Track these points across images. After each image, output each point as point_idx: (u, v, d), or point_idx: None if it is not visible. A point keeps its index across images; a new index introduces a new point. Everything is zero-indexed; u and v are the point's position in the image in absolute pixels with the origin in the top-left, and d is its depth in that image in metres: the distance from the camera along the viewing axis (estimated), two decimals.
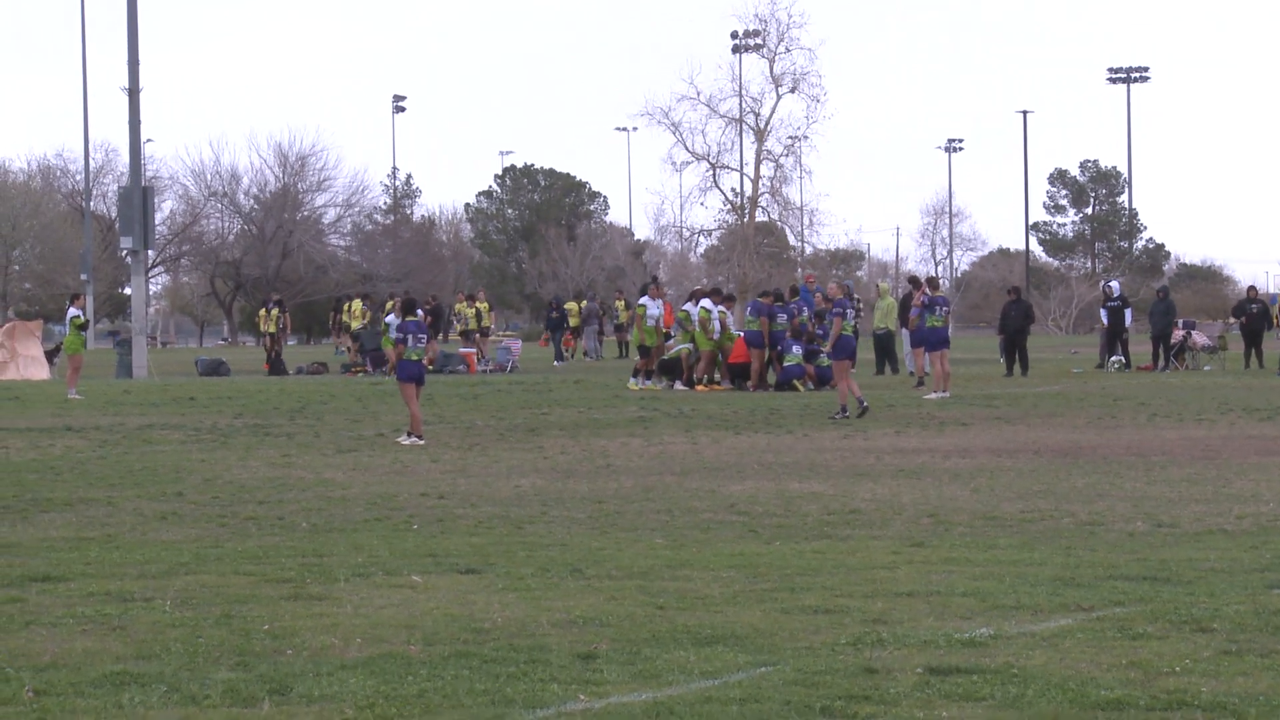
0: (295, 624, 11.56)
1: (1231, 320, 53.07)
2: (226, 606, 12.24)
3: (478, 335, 58.47)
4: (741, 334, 42.42)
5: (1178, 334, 50.27)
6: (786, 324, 41.20)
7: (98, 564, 14.37)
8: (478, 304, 60.66)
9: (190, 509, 18.44)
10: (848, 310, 32.22)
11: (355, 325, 63.50)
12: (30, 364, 51.45)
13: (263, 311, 63.79)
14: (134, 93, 53.93)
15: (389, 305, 57.14)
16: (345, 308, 66.01)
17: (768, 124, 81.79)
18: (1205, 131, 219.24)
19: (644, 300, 44.39)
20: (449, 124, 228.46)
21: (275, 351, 58.87)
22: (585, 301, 70.08)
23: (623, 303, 70.51)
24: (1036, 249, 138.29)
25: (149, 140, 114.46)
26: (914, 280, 45.17)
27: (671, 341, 44.02)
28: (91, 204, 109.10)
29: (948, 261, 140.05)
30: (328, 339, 70.03)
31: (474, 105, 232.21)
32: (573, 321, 69.05)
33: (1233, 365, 49.74)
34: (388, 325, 49.39)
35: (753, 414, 32.06)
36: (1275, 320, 48.56)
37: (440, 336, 60.74)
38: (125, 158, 68.22)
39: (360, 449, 25.73)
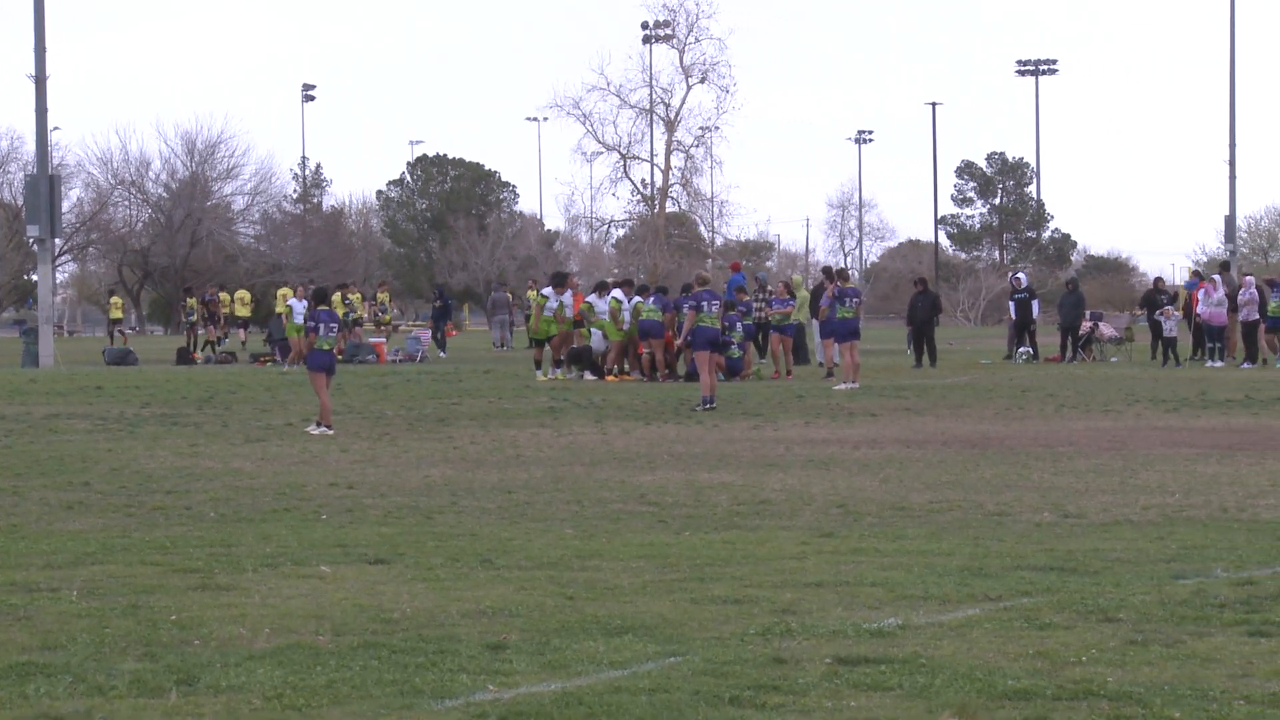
0: (203, 614, 11.50)
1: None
2: (133, 597, 12.16)
3: (354, 327, 58.28)
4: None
5: (1085, 325, 50.62)
6: None
7: (2, 554, 14.26)
8: (350, 295, 60.68)
9: (97, 499, 18.31)
10: (703, 302, 32.74)
11: (243, 313, 64.12)
12: None
13: (192, 301, 64.40)
14: (41, 80, 53.44)
15: (282, 294, 57.70)
16: (226, 298, 66.53)
17: (678, 114, 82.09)
18: (1112, 124, 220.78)
19: (546, 291, 44.14)
20: (359, 113, 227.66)
21: (195, 339, 59.83)
22: (493, 291, 69.98)
23: (534, 292, 70.51)
24: (945, 240, 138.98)
25: (55, 128, 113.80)
26: (827, 271, 45.37)
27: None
28: None
29: (857, 252, 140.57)
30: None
31: (384, 94, 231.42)
32: None
33: (1139, 356, 50.14)
34: (290, 308, 49.19)
35: (662, 404, 32.10)
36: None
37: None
38: (31, 145, 67.84)
39: (269, 439, 25.61)
